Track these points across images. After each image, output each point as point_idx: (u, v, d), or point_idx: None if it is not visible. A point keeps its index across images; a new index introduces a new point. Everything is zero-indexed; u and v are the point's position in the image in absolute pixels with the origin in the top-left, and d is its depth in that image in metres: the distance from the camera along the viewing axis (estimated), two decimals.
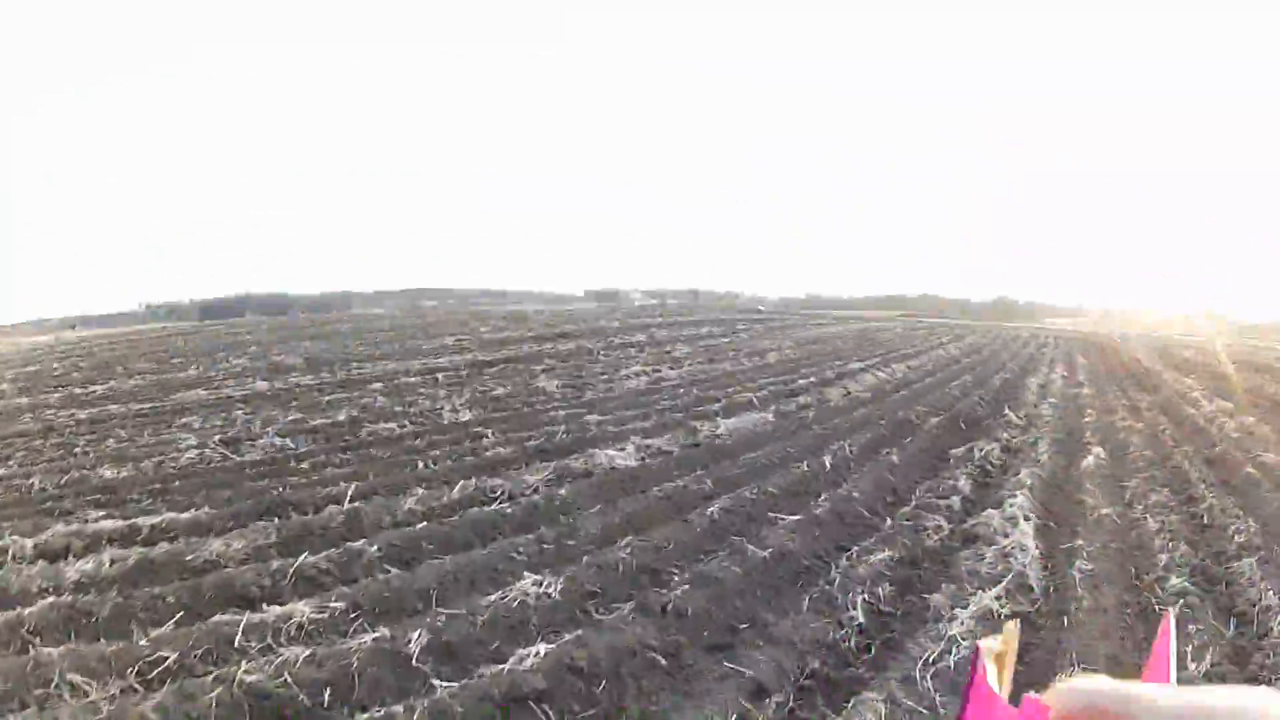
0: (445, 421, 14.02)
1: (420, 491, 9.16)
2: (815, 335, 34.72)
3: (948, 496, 10.15)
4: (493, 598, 6.17)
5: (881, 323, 48.12)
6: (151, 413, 15.38)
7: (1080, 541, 8.88)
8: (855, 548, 8.24)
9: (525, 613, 6.06)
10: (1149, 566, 8.35)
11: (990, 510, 9.44)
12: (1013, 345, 36.94)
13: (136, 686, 4.77)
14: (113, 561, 6.87)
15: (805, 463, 11.35)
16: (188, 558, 7.03)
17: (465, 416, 14.40)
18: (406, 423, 13.99)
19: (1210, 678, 5.86)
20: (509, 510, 8.64)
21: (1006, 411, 16.43)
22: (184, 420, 14.48)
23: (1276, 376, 26.48)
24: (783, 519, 8.77)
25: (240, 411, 15.12)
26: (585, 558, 7.27)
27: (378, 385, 17.91)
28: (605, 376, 19.65)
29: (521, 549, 7.41)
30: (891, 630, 6.56)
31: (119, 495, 9.61)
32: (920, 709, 5.07)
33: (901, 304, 71.64)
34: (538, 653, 5.22)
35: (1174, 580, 7.68)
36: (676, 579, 7.02)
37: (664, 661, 5.71)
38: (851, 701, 5.12)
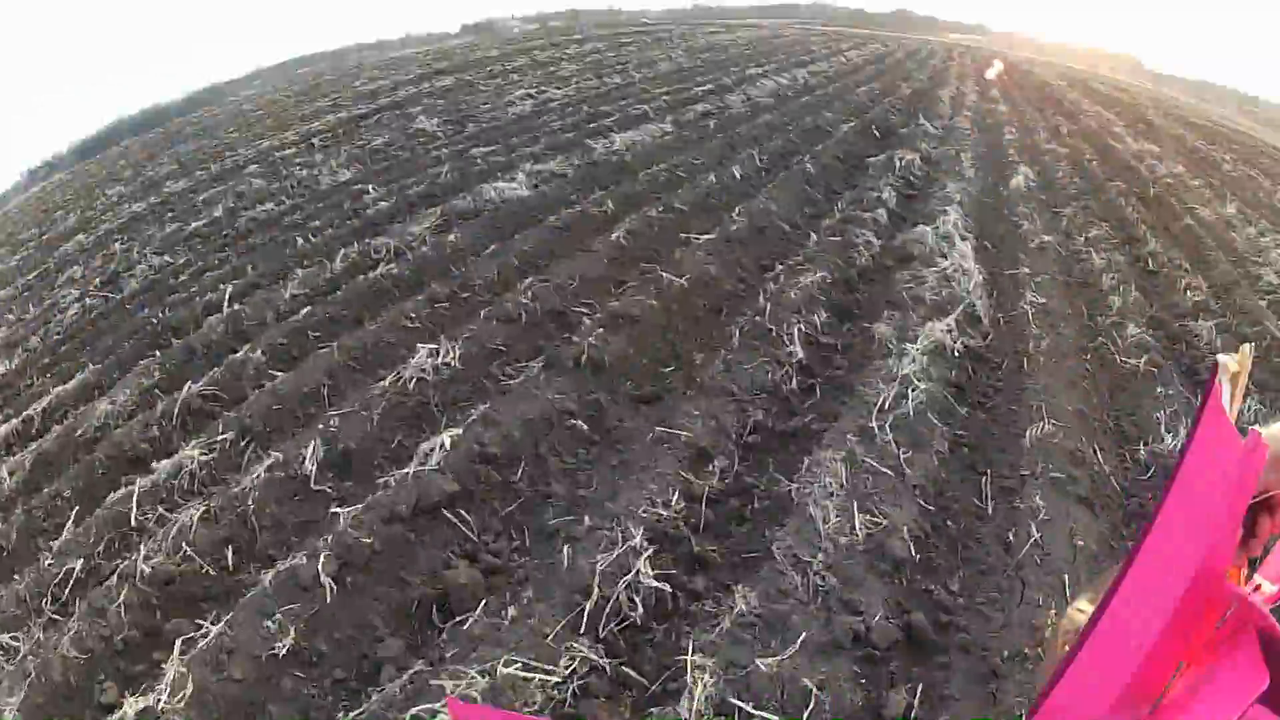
0: (324, 186, 12.96)
1: (300, 273, 8.35)
2: (708, 43, 32.64)
3: (873, 209, 9.52)
4: (386, 382, 5.48)
5: (776, 29, 46.03)
6: (36, 280, 13.61)
7: (1025, 270, 8.53)
8: (780, 267, 7.57)
9: (424, 392, 5.45)
10: (1101, 308, 8.03)
11: (922, 226, 8.86)
12: (918, 55, 35.82)
13: (55, 618, 4.20)
14: (11, 473, 6.03)
15: (712, 174, 10.43)
16: (78, 433, 6.21)
17: (344, 176, 13.34)
18: (284, 199, 12.75)
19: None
20: (395, 270, 7.88)
21: (922, 120, 15.67)
22: (66, 274, 12.88)
23: (1203, 134, 26.74)
24: (696, 239, 7.96)
25: (118, 243, 13.36)
26: (483, 311, 6.56)
27: (253, 167, 15.91)
28: (488, 106, 18.11)
29: (413, 314, 6.71)
30: (837, 367, 5.98)
31: (12, 388, 8.62)
32: (884, 469, 4.47)
33: (793, 13, 68.99)
34: (443, 444, 4.61)
35: (1132, 329, 7.41)
36: (587, 322, 6.25)
37: (586, 428, 5.06)
38: (805, 462, 4.51)
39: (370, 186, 11.81)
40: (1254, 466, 1.29)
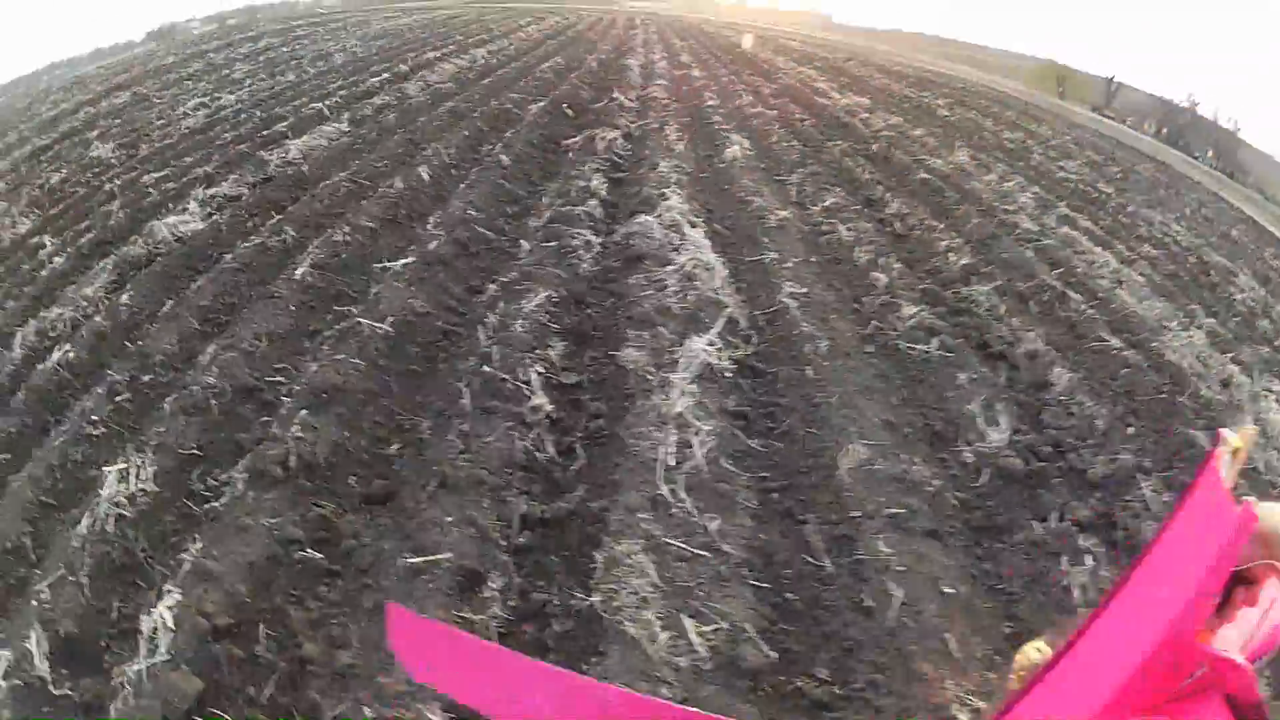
0: (5, 243, 11.47)
1: None
2: (382, 29, 31.60)
3: (583, 201, 8.89)
4: (83, 527, 4.48)
5: (452, 10, 45.17)
6: None
7: (772, 255, 8.07)
8: (494, 288, 6.71)
9: (125, 534, 4.47)
10: (866, 288, 7.70)
11: (644, 216, 8.30)
12: (598, 27, 36.11)
13: None
14: None
15: (398, 178, 9.52)
16: None
17: (24, 226, 11.97)
18: None
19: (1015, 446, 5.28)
20: (72, 355, 6.70)
21: (615, 94, 15.23)
22: None
23: (910, 81, 28.26)
24: (392, 266, 6.97)
25: None
26: (167, 400, 5.55)
27: None
28: (162, 122, 17.00)
29: (95, 415, 5.59)
30: (594, 415, 5.17)
31: None
32: (696, 550, 3.72)
33: None
34: (165, 621, 3.74)
35: (907, 308, 7.06)
36: (287, 401, 5.25)
37: (322, 558, 4.19)
38: (599, 560, 3.72)
39: (47, 238, 10.69)
40: (1241, 537, 1.49)
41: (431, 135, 11.96)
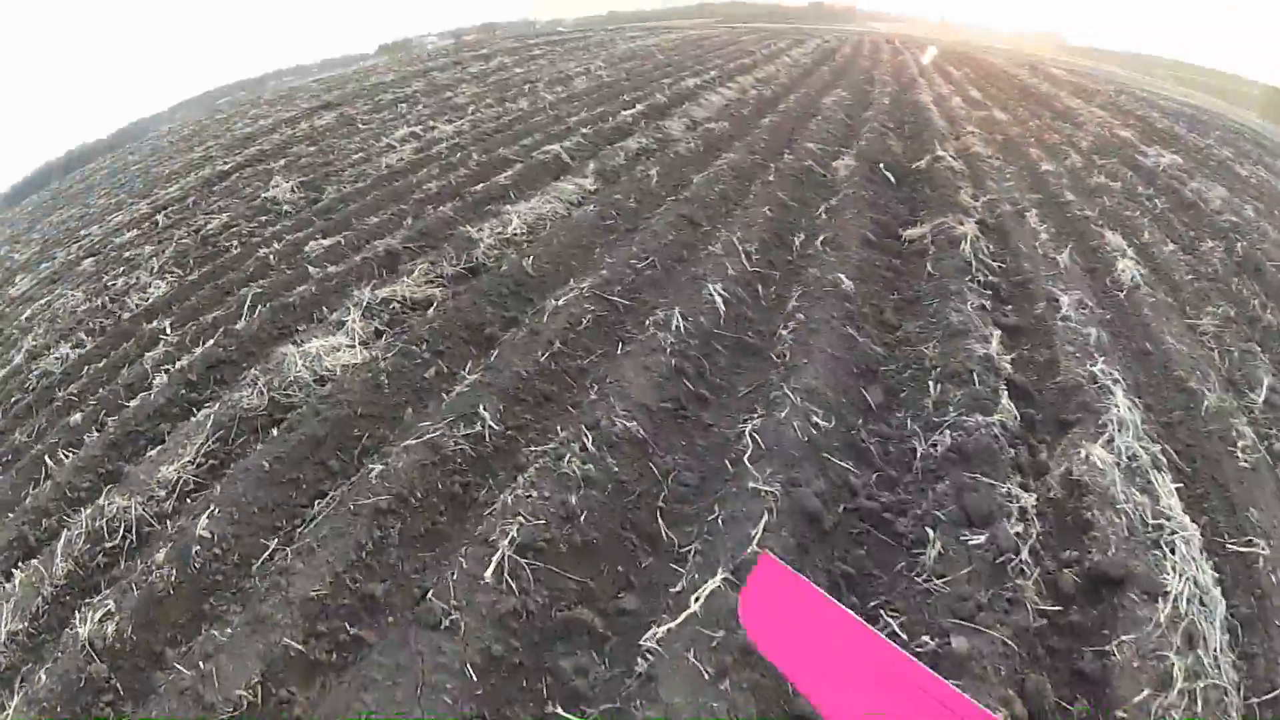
0: (125, 320, 8.54)
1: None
2: (629, 50, 27.39)
3: (984, 385, 4.91)
4: None
5: (701, 30, 41.47)
6: None
7: (1261, 550, 4.20)
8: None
9: None
10: None
11: (1090, 451, 4.41)
12: (865, 51, 31.64)
13: None
14: None
15: (676, 300, 5.87)
16: None
17: (154, 294, 8.98)
18: (84, 336, 8.56)
19: None
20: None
21: (936, 148, 11.14)
22: None
23: (1185, 122, 23.17)
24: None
25: None
26: None
27: (87, 262, 11.57)
28: (360, 155, 13.34)
29: None
30: None
31: None
32: None
33: (709, 12, 65.18)
34: None
35: None
36: None
37: None
38: None
39: (169, 325, 7.65)
40: None
41: (712, 207, 8.31)
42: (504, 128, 14.00)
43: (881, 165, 10.03)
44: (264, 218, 10.69)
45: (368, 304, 6.37)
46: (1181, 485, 4.55)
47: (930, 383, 5.04)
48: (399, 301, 6.52)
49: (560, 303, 5.93)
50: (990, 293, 6.60)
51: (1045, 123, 17.18)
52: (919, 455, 4.47)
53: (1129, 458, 4.40)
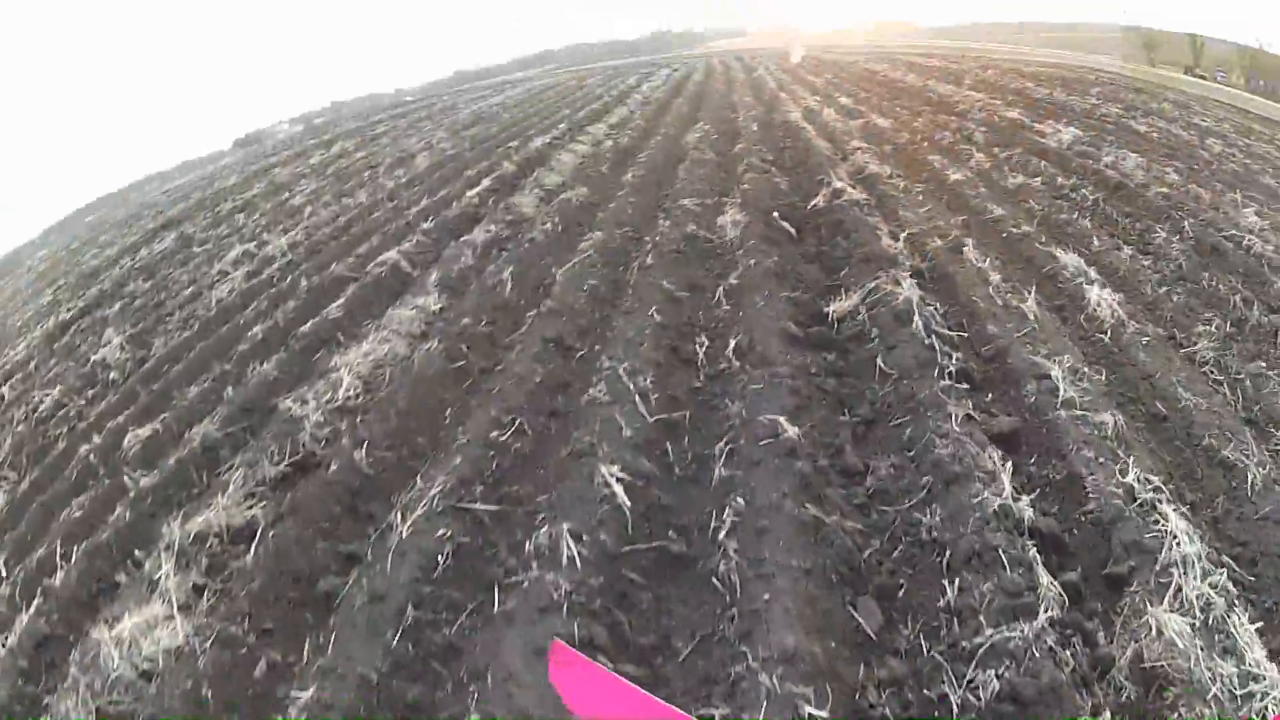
0: None
1: None
2: (473, 114, 26.10)
3: (995, 559, 3.61)
4: None
5: (544, 80, 40.36)
6: None
7: None
8: None
9: None
10: None
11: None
12: (718, 73, 30.68)
13: None
14: None
15: (560, 501, 4.34)
16: None
17: None
18: None
19: None
20: None
21: (829, 180, 9.66)
22: None
23: (1065, 86, 22.88)
24: None
25: None
26: None
27: None
28: (191, 289, 12.44)
29: None
30: None
31: None
32: None
33: (551, 58, 64.70)
34: None
35: None
36: None
37: None
38: None
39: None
40: None
41: (585, 320, 6.70)
42: (340, 231, 12.61)
43: (776, 215, 8.54)
44: (92, 391, 9.53)
45: (180, 546, 4.69)
46: (1251, 606, 3.76)
47: (942, 578, 3.51)
48: (216, 535, 4.81)
49: (408, 529, 4.21)
50: (966, 385, 5.11)
51: (929, 119, 16.11)
52: (957, 710, 3.05)
53: (1202, 608, 3.49)
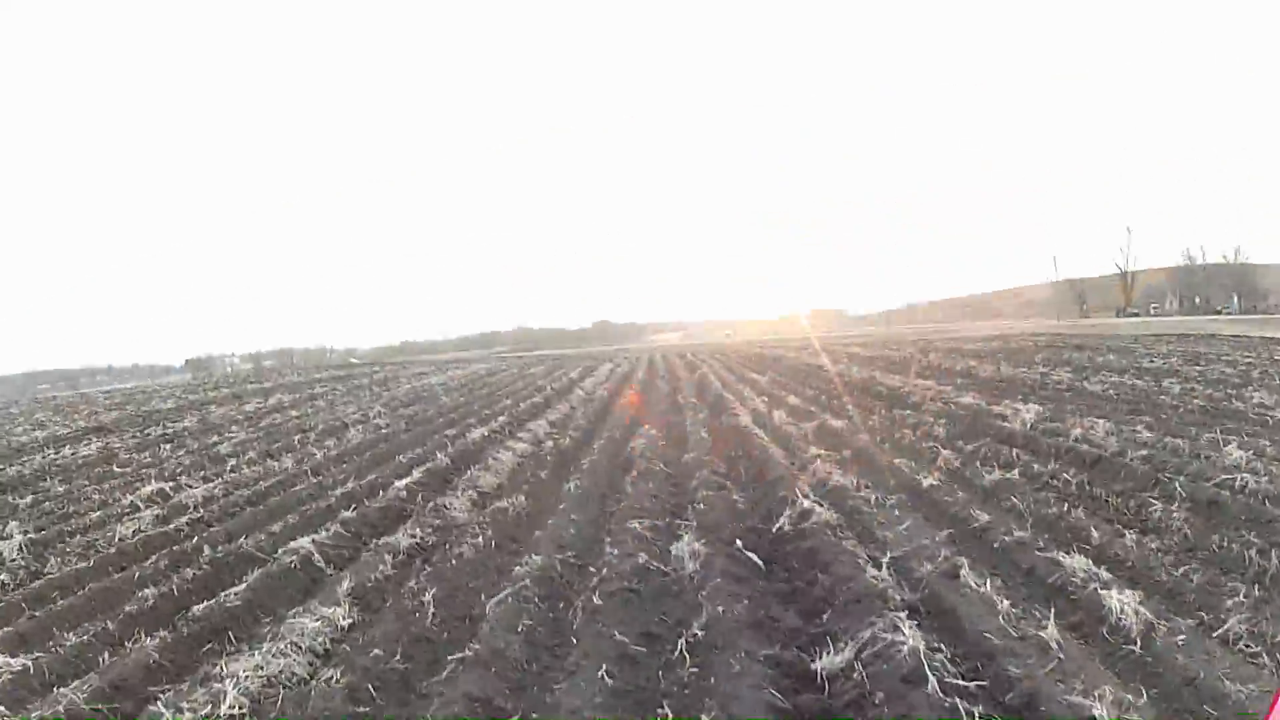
0: None
1: None
2: (412, 390, 26.22)
3: None
4: None
5: (490, 363, 40.76)
6: None
7: None
8: None
9: None
10: None
11: None
12: (661, 371, 30.83)
13: None
14: None
15: None
16: None
17: None
18: None
19: None
20: None
21: (795, 494, 8.87)
22: None
23: (1017, 358, 23.35)
24: None
25: None
26: None
27: None
28: (100, 514, 11.90)
29: None
30: None
31: None
32: None
33: (498, 339, 66.54)
34: None
35: None
36: None
37: None
38: None
39: None
40: None
41: (518, 683, 5.45)
42: (259, 498, 12.13)
43: (739, 544, 7.61)
44: None
45: None
46: None
47: None
48: None
49: None
50: None
51: (884, 416, 15.71)
52: None
53: None
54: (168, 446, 17.71)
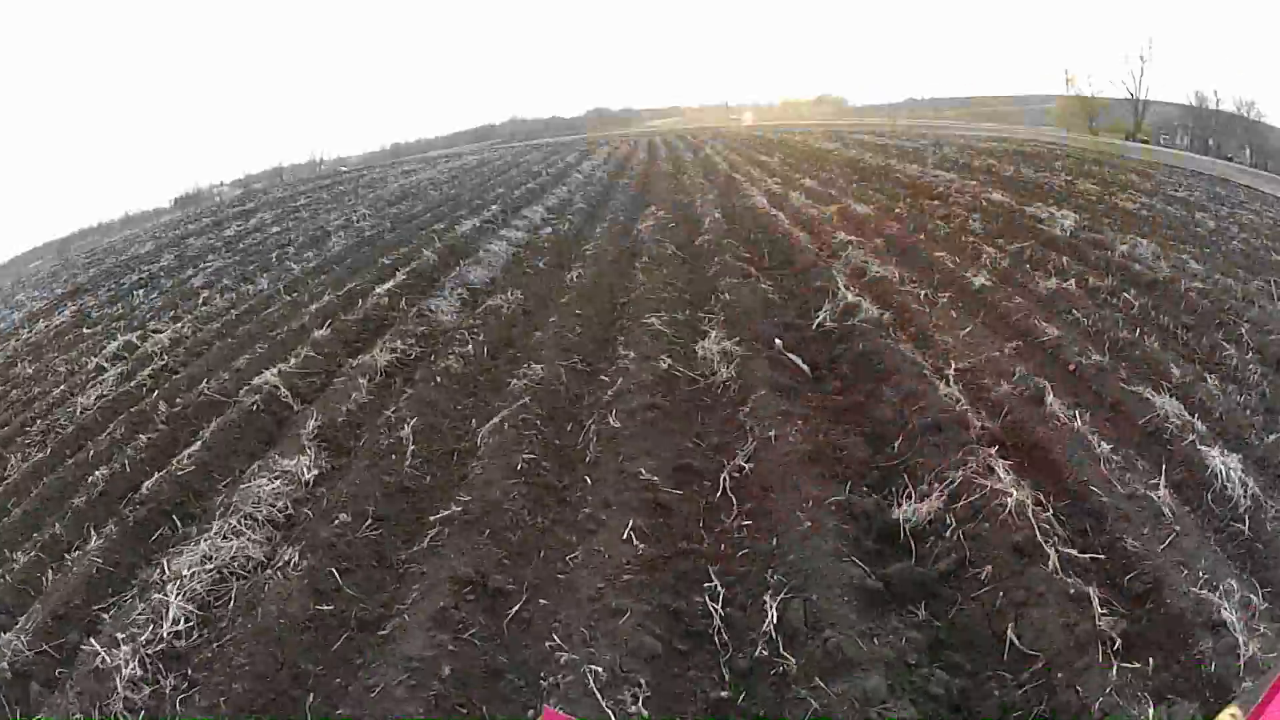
0: None
1: None
2: (401, 189, 24.58)
3: None
4: None
5: (480, 154, 38.78)
6: None
7: None
8: None
9: None
10: None
11: None
12: (662, 153, 29.05)
13: None
14: None
15: None
16: None
17: None
18: None
19: None
20: None
21: (838, 286, 7.79)
22: None
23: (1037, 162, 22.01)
24: None
25: None
26: None
27: None
28: (63, 390, 10.73)
29: None
30: None
31: None
32: None
33: (491, 134, 63.98)
34: None
35: None
36: None
37: None
38: None
39: None
40: None
41: (522, 543, 4.42)
42: (227, 329, 10.95)
43: (778, 344, 6.52)
44: None
45: None
46: None
47: None
48: None
49: None
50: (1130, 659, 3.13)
51: (910, 205, 14.38)
52: None
53: None
54: (140, 293, 16.28)
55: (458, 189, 22.59)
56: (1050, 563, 3.60)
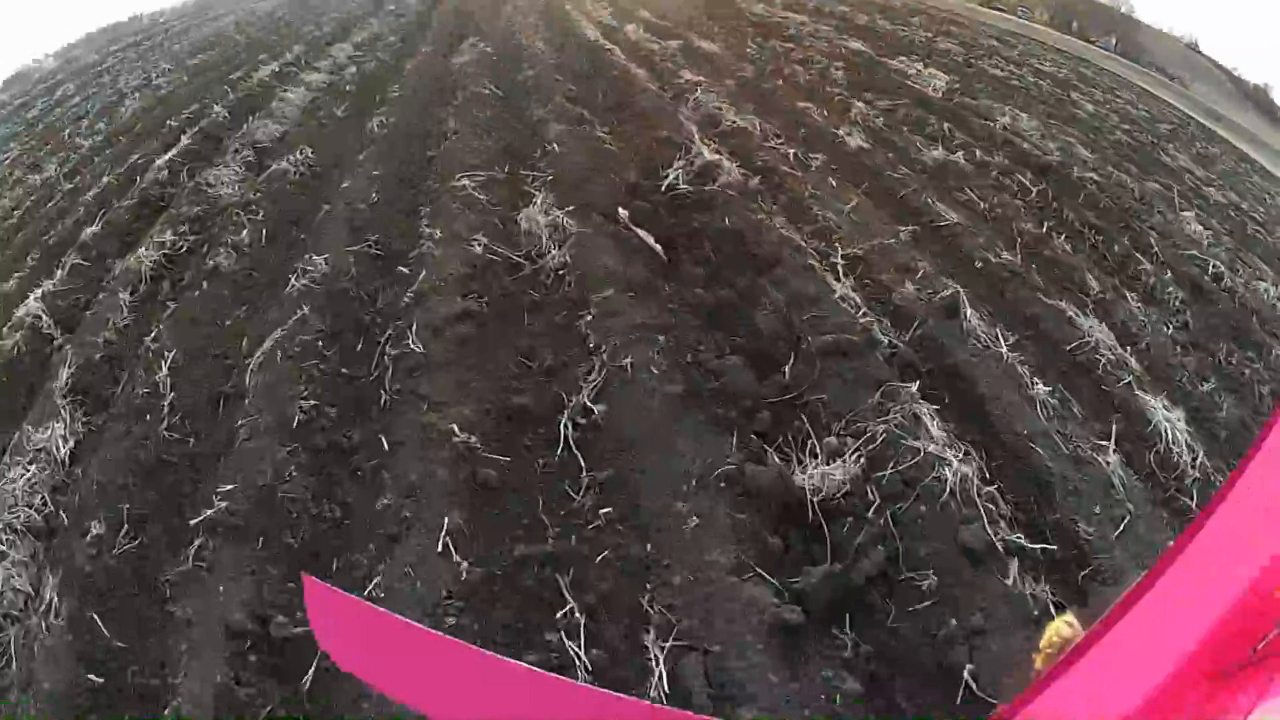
0: None
1: None
2: (208, 36, 21.13)
3: None
4: None
5: None
6: None
7: None
8: None
9: None
10: None
11: None
12: None
13: None
14: None
15: None
16: None
17: None
18: None
19: None
20: None
21: (689, 139, 6.45)
22: None
23: (892, 14, 20.85)
24: None
25: None
26: None
27: None
28: None
29: None
30: None
31: None
32: None
33: None
34: None
35: None
36: None
37: None
38: None
39: None
40: None
41: (296, 530, 3.22)
42: (5, 237, 8.75)
43: (623, 216, 5.26)
44: None
45: None
46: None
47: None
48: None
49: None
50: None
51: (763, 47, 13.08)
52: None
53: None
54: None
55: (264, 31, 19.88)
56: (1010, 572, 2.67)
